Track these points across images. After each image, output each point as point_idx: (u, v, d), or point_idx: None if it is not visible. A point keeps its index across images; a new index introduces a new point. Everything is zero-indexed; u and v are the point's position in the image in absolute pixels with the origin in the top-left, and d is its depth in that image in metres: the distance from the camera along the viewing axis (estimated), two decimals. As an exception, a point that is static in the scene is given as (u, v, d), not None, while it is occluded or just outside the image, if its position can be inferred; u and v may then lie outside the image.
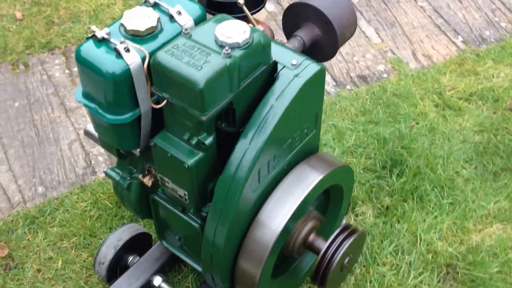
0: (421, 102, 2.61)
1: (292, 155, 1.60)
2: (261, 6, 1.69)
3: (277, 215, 1.56)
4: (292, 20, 1.72)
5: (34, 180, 2.31)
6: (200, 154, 1.44)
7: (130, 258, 1.94)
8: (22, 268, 2.03)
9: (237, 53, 1.36)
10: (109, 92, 1.39)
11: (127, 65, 1.35)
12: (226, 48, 1.34)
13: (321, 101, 1.59)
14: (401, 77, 2.74)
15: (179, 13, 1.45)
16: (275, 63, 1.48)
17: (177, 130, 1.46)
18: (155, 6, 1.47)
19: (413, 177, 2.26)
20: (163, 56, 1.34)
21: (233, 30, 1.37)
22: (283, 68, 1.48)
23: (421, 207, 2.19)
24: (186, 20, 1.45)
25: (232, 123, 1.47)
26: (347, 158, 2.36)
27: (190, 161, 1.44)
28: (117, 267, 1.92)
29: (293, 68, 1.48)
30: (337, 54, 1.91)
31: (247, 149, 1.44)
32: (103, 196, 2.21)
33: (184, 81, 1.32)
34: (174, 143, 1.46)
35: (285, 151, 1.56)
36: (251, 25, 1.46)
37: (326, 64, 2.76)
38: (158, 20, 1.42)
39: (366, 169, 2.31)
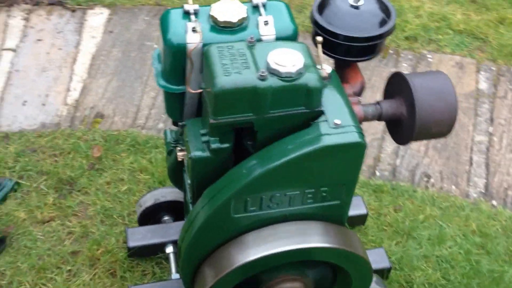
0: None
1: (302, 209, 1.51)
2: (369, 56, 1.59)
3: (258, 246, 1.51)
4: (392, 86, 1.59)
5: (163, 116, 2.54)
6: (207, 154, 1.46)
7: (164, 217, 2.05)
8: (101, 172, 2.29)
9: (274, 81, 1.33)
10: (166, 59, 1.49)
11: (185, 43, 1.42)
12: (263, 70, 1.32)
13: (352, 174, 1.46)
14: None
15: (266, 23, 1.46)
16: (321, 112, 1.41)
17: (203, 122, 1.50)
18: (255, 8, 1.50)
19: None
20: (212, 49, 1.38)
21: (284, 59, 1.34)
22: (323, 121, 1.40)
23: None
24: (267, 31, 1.46)
25: (252, 144, 1.45)
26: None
27: (194, 154, 1.46)
28: (150, 217, 2.05)
29: (331, 126, 1.39)
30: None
31: (242, 173, 1.42)
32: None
33: (211, 78, 1.34)
34: (196, 132, 1.50)
35: (290, 199, 1.48)
36: (319, 65, 1.41)
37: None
38: (247, 16, 1.46)
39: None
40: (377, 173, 2.47)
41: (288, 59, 1.34)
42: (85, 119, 2.50)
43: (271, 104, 1.36)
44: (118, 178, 2.28)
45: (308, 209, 1.52)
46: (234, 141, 1.46)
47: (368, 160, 2.50)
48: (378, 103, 1.55)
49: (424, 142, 2.60)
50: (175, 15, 1.48)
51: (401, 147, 2.56)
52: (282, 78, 1.33)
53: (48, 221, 2.14)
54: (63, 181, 2.25)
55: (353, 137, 1.38)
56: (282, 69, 1.33)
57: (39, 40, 2.81)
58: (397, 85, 1.55)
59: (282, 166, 1.39)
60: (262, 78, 1.32)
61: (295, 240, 1.52)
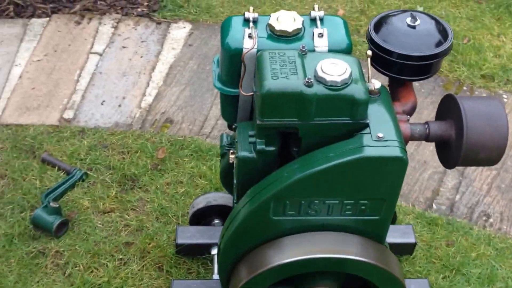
0: None
1: (340, 220, 1.54)
2: (424, 76, 1.60)
3: (294, 250, 1.55)
4: (443, 108, 1.60)
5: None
6: (253, 154, 1.52)
7: (215, 221, 2.13)
8: (162, 173, 2.41)
9: (320, 89, 1.38)
10: (223, 62, 1.58)
11: (241, 47, 1.50)
12: (310, 77, 1.38)
13: (392, 190, 1.48)
14: None
15: (321, 35, 1.52)
16: (365, 125, 1.44)
17: (252, 124, 1.56)
18: (313, 20, 1.56)
19: None
20: (265, 54, 1.45)
21: (332, 68, 1.39)
22: (367, 133, 1.43)
23: None
24: (320, 43, 1.51)
25: (297, 150, 1.50)
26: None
27: (241, 154, 1.53)
28: (201, 219, 2.13)
29: (374, 139, 1.41)
30: None
31: (283, 176, 1.47)
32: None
33: (260, 81, 1.41)
34: (246, 134, 1.57)
35: (328, 208, 1.51)
36: (368, 82, 1.45)
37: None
38: (302, 26, 1.53)
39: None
40: (434, 206, 2.43)
41: (335, 69, 1.39)
42: (155, 123, 2.64)
43: (316, 111, 1.41)
44: (178, 180, 2.39)
45: (347, 221, 1.55)
46: (280, 146, 1.52)
47: (426, 192, 2.47)
48: (426, 123, 1.56)
49: (488, 180, 2.54)
50: (236, 22, 1.57)
51: (463, 183, 2.52)
52: (328, 87, 1.39)
53: (108, 212, 2.27)
54: (127, 177, 2.39)
55: (394, 151, 1.41)
56: (328, 78, 1.38)
57: (124, 47, 3.00)
58: (448, 107, 1.56)
59: (321, 173, 1.43)
60: (308, 85, 1.38)
61: (332, 249, 1.55)
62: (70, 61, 2.91)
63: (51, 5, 3.24)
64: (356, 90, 1.40)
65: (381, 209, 1.52)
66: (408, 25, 1.56)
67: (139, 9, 3.26)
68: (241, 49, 1.51)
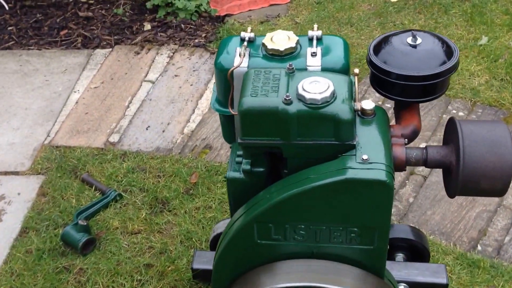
0: None
1: (331, 248, 1.46)
2: (429, 97, 1.49)
3: (286, 275, 1.49)
4: (446, 133, 1.48)
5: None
6: (241, 175, 1.49)
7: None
8: (193, 197, 2.42)
9: (299, 106, 1.33)
10: (217, 80, 1.57)
11: (232, 65, 1.49)
12: (288, 94, 1.33)
13: (380, 217, 1.37)
14: None
15: (314, 54, 1.47)
16: (352, 146, 1.36)
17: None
18: (311, 40, 1.52)
19: None
20: (250, 72, 1.43)
21: (313, 86, 1.34)
22: (351, 155, 1.35)
23: None
24: (313, 62, 1.47)
25: (286, 170, 1.45)
26: None
27: (229, 174, 1.50)
28: (220, 243, 2.10)
29: (357, 161, 1.33)
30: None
31: (265, 197, 1.42)
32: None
33: (240, 98, 1.39)
34: (236, 153, 1.54)
35: (315, 234, 1.44)
36: (355, 101, 1.38)
37: None
38: (297, 45, 1.49)
39: None
40: (479, 247, 2.24)
41: (316, 87, 1.34)
42: (194, 149, 2.67)
43: (298, 131, 1.36)
44: (207, 205, 2.38)
45: (338, 249, 1.46)
46: (270, 167, 1.48)
47: (471, 232, 2.29)
48: (425, 148, 1.45)
49: (543, 223, 2.32)
50: (232, 42, 1.56)
51: (516, 224, 2.31)
52: (307, 104, 1.33)
53: (135, 233, 2.30)
54: (158, 200, 2.42)
55: (378, 175, 1.32)
56: (307, 95, 1.33)
57: (176, 75, 3.09)
58: (449, 131, 1.44)
59: (301, 195, 1.37)
60: (287, 102, 1.34)
61: (325, 278, 1.47)
62: (124, 88, 3.03)
63: (115, 37, 3.42)
64: (339, 109, 1.33)
65: (373, 238, 1.43)
66: (409, 45, 1.48)
67: (196, 40, 3.35)
68: (229, 68, 1.50)
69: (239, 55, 1.49)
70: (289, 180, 1.40)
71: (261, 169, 1.47)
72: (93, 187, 2.47)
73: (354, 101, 1.40)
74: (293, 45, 1.49)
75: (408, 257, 1.98)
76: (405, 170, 1.45)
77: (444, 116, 2.76)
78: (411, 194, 2.45)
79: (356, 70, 1.41)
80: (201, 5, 3.51)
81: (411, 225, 2.20)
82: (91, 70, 3.17)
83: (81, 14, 3.59)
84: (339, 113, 1.33)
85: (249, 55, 1.50)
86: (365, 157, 1.34)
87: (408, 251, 1.98)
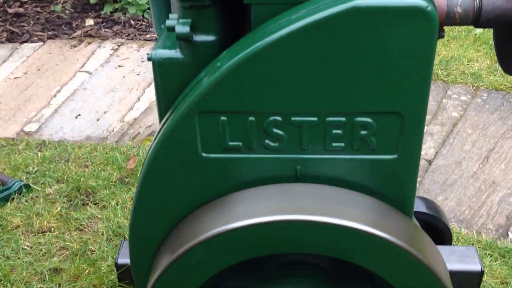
0: None
1: (325, 163, 0.85)
2: None
3: (249, 208, 0.86)
4: None
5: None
6: (175, 52, 0.89)
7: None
8: (130, 187, 1.79)
9: None
10: None
11: None
12: None
13: (412, 89, 0.78)
14: None
15: None
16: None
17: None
18: None
19: None
20: None
21: None
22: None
23: None
24: None
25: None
26: None
27: (155, 54, 0.91)
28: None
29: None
30: None
31: (215, 66, 0.82)
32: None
33: None
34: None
35: (301, 135, 0.83)
36: None
37: None
38: None
39: None
40: (510, 235, 1.68)
41: None
42: (136, 136, 2.07)
43: None
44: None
45: (339, 165, 0.86)
46: (223, 36, 0.89)
47: (498, 219, 1.74)
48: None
49: None
50: None
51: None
52: None
53: (43, 232, 1.65)
54: (81, 191, 1.78)
55: (409, -3, 0.74)
56: None
57: (120, 66, 2.52)
58: None
59: (274, 50, 0.77)
60: None
61: (316, 209, 0.85)
62: (52, 79, 2.44)
63: (49, 33, 2.86)
64: None
65: (397, 138, 0.83)
66: None
67: (147, 35, 2.82)
68: None
69: None
70: (255, 33, 0.81)
71: (209, 38, 0.89)
72: (-7, 178, 1.83)
73: None
74: None
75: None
76: (442, 36, 0.88)
77: (444, 100, 2.25)
78: (415, 180, 1.89)
79: None
80: None
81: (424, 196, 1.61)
82: (14, 62, 2.58)
83: (10, 11, 3.05)
84: None
85: None
86: None
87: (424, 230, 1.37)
